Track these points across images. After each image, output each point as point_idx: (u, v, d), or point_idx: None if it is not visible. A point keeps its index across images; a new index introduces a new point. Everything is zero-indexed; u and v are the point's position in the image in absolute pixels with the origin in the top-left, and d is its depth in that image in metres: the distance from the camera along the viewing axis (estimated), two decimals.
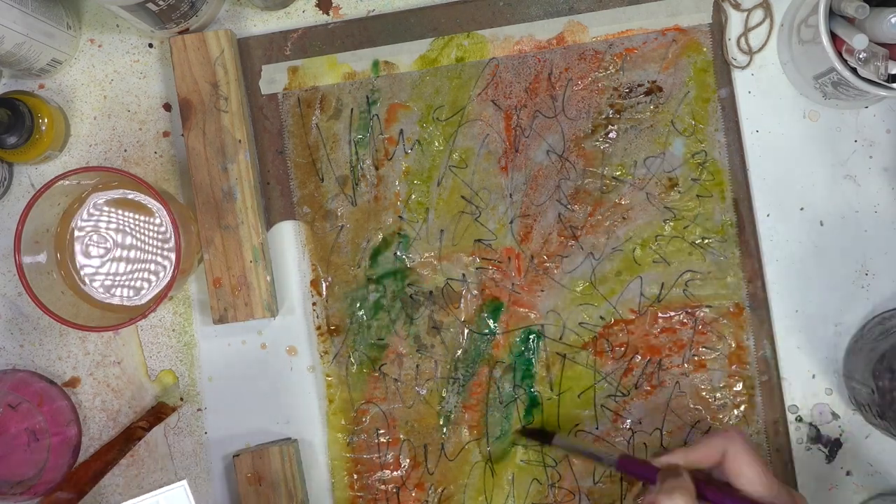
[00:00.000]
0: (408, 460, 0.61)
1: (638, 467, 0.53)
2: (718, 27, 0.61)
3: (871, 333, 0.58)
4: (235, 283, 0.59)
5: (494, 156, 0.61)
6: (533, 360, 0.61)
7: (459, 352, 0.61)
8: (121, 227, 0.59)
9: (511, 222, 0.61)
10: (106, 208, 0.59)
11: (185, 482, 0.49)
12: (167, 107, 0.62)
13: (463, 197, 0.61)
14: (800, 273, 0.61)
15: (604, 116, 0.61)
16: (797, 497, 0.50)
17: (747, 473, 0.49)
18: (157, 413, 0.61)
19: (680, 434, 0.60)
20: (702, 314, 0.60)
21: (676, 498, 0.48)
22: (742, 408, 0.60)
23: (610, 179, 0.61)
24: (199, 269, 0.61)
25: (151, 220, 0.59)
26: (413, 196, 0.61)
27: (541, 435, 0.59)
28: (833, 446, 0.60)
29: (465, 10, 0.61)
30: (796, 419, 0.60)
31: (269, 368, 0.62)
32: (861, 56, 0.52)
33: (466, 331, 0.61)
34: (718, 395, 0.60)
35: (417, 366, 0.61)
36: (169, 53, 0.60)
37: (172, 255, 0.59)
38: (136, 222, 0.59)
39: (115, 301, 0.59)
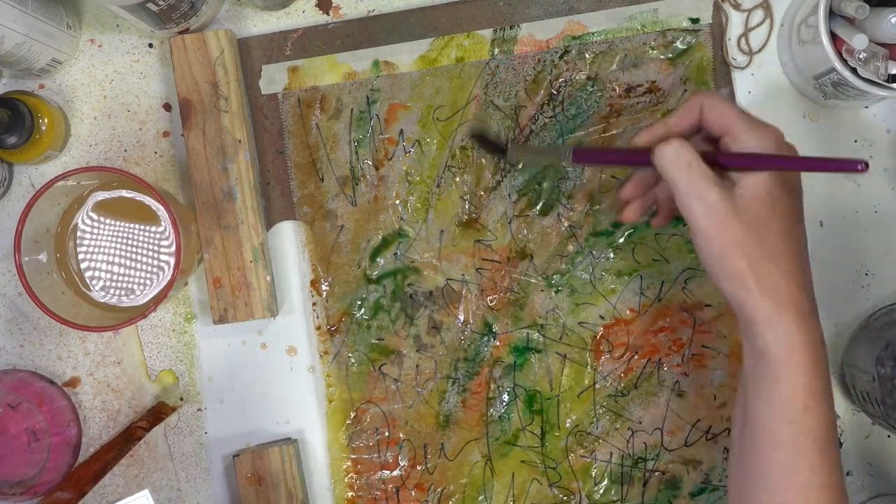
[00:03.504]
0: (407, 460, 0.61)
1: (595, 155, 0.52)
2: (718, 27, 0.61)
3: (877, 322, 0.58)
4: (235, 283, 0.59)
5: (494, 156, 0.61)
6: (533, 360, 0.61)
7: (459, 352, 0.61)
8: (121, 227, 0.59)
9: (511, 222, 0.61)
10: (106, 208, 0.59)
11: (146, 492, 0.48)
12: (167, 107, 0.62)
13: (462, 197, 0.61)
14: None
15: (603, 116, 0.61)
16: (771, 127, 0.48)
17: (727, 113, 0.47)
18: (157, 413, 0.61)
19: (680, 434, 0.60)
20: (702, 313, 0.60)
21: (672, 143, 0.46)
22: None
23: (609, 178, 0.60)
24: (199, 269, 0.61)
25: (151, 220, 0.59)
26: (413, 196, 0.61)
27: (493, 147, 0.57)
28: None
29: (465, 10, 0.61)
30: None
31: (269, 368, 0.62)
32: (861, 56, 0.52)
33: (466, 331, 0.61)
34: (718, 394, 0.60)
35: (417, 366, 0.61)
36: (169, 53, 0.60)
37: (172, 255, 0.59)
38: (136, 222, 0.59)
39: (115, 301, 0.59)
